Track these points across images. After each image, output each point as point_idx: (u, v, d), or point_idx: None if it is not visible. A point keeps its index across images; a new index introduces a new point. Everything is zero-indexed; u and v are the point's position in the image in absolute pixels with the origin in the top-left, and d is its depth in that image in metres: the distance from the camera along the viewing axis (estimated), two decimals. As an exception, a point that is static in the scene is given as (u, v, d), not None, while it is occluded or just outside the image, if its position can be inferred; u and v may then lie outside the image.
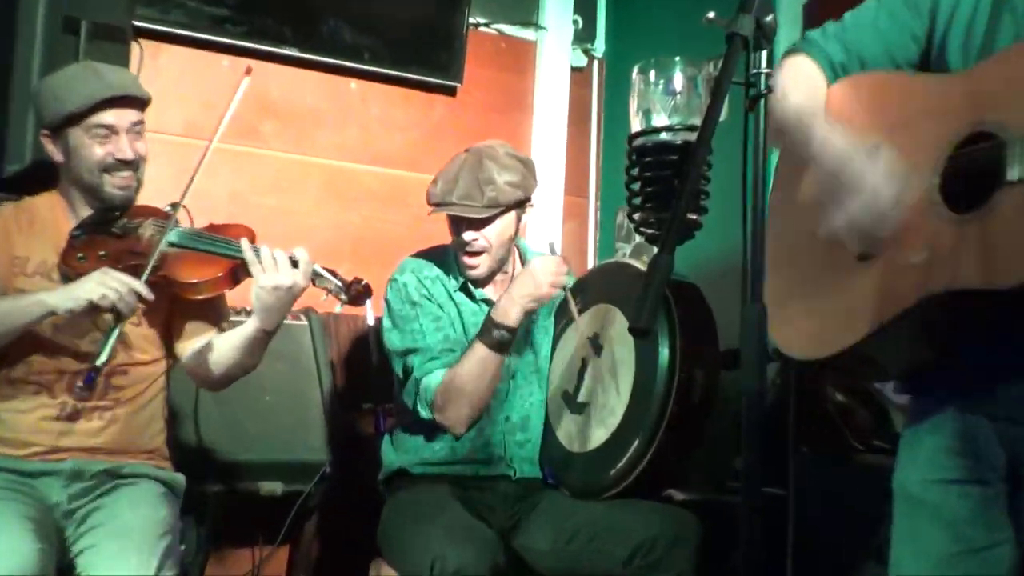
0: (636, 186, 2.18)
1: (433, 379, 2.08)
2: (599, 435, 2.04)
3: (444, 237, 2.23)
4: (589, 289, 2.19)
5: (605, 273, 2.25)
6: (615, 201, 3.29)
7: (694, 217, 2.09)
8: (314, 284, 1.84)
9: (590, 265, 3.37)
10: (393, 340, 2.16)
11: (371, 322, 2.64)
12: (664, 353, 1.93)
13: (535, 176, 2.19)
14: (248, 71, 1.92)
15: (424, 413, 2.09)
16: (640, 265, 2.14)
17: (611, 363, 2.06)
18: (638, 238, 2.49)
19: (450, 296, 2.19)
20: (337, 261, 1.97)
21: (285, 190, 2.97)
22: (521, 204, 2.16)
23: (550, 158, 3.34)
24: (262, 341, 1.88)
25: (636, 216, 2.19)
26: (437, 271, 2.21)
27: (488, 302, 2.20)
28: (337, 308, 1.86)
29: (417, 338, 2.12)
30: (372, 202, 3.10)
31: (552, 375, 2.24)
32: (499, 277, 2.23)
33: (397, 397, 2.22)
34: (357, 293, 1.84)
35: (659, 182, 2.11)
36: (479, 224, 2.11)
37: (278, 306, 1.81)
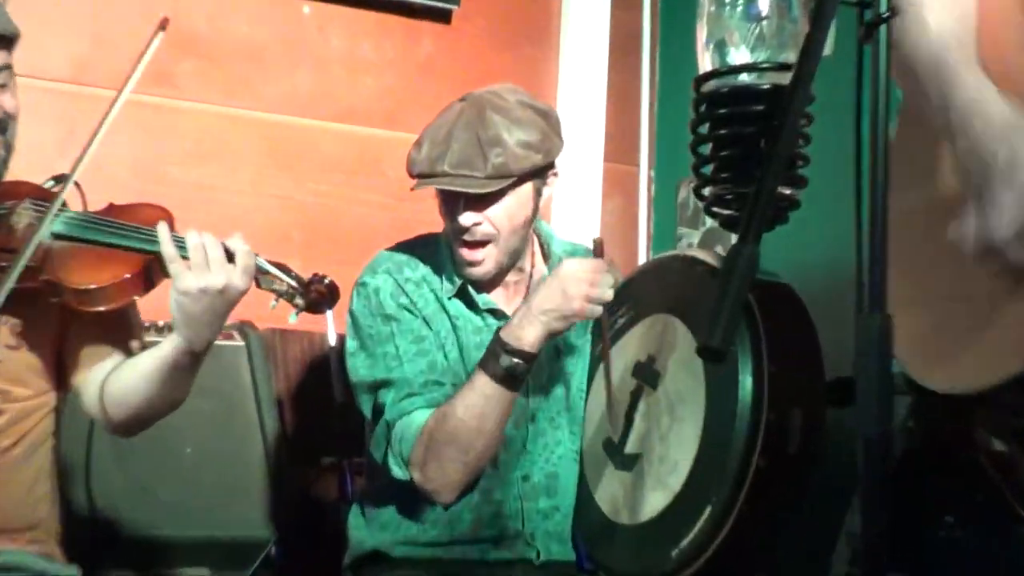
0: (706, 149, 2.17)
1: (411, 423, 2.08)
2: (656, 500, 2.04)
3: (434, 222, 2.24)
4: (640, 294, 2.19)
5: (663, 271, 2.25)
6: (676, 171, 3.30)
7: (788, 192, 2.09)
8: (258, 285, 1.84)
9: (641, 259, 3.38)
10: (359, 368, 2.18)
11: (333, 341, 2.65)
12: (747, 384, 1.92)
13: (560, 134, 2.19)
14: (164, 23, 1.93)
15: (398, 471, 2.10)
16: (712, 260, 2.14)
17: (672, 399, 2.06)
18: (709, 222, 2.49)
19: (442, 306, 2.20)
20: (283, 256, 1.97)
21: (211, 157, 2.99)
22: (540, 173, 2.17)
23: (583, 110, 3.36)
24: (188, 366, 1.89)
25: (706, 191, 2.18)
26: (423, 270, 2.22)
27: (496, 313, 2.21)
28: (292, 318, 1.87)
29: (392, 366, 2.13)
30: (333, 173, 3.12)
31: (589, 416, 2.24)
32: (512, 277, 2.25)
33: (368, 448, 2.22)
34: (318, 295, 1.85)
35: (739, 143, 2.11)
36: (481, 202, 2.12)
37: (207, 317, 1.81)
